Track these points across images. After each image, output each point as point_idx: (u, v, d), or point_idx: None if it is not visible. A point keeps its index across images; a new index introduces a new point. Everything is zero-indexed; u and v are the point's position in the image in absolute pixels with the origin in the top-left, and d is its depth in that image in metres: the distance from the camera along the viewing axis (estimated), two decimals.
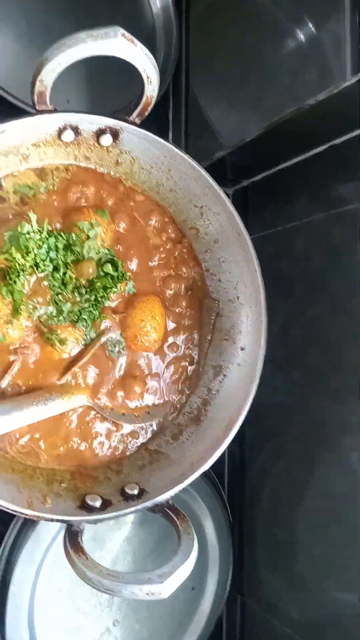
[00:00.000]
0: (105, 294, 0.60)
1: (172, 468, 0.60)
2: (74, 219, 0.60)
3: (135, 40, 0.49)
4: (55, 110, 0.53)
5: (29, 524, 0.72)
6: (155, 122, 0.94)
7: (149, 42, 0.95)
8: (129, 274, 0.63)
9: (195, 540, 0.51)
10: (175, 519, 0.54)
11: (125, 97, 0.87)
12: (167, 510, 0.55)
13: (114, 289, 0.61)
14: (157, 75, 0.53)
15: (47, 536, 0.71)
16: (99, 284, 0.60)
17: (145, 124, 0.90)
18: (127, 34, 0.48)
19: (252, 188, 0.99)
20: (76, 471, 0.58)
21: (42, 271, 0.57)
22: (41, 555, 0.71)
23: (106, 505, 0.54)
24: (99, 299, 0.60)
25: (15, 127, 0.51)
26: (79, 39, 0.47)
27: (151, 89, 0.54)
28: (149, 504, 0.55)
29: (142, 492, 0.57)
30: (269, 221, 0.92)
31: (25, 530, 0.74)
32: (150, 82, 0.53)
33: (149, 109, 0.57)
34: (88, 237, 0.59)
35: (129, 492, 0.56)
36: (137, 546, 0.79)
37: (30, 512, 0.49)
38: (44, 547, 0.71)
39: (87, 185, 0.62)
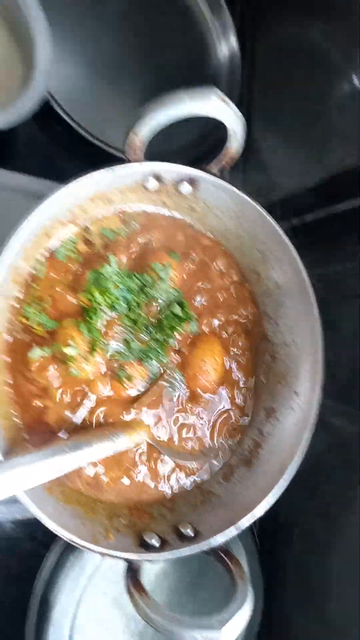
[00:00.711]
0: (171, 334, 0.62)
1: (224, 510, 0.61)
2: (148, 260, 0.62)
3: (227, 100, 0.51)
4: (144, 161, 0.56)
5: (73, 550, 0.74)
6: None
7: (214, 84, 0.98)
8: (194, 314, 0.65)
9: (249, 586, 0.52)
10: (229, 563, 0.55)
11: (180, 137, 0.90)
12: (221, 554, 0.56)
13: (180, 329, 0.63)
14: (244, 133, 0.56)
15: (91, 564, 0.73)
16: (166, 323, 0.62)
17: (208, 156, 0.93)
18: (221, 95, 0.50)
19: (304, 226, 1.00)
20: (133, 507, 0.60)
21: (117, 311, 0.59)
22: (84, 583, 0.73)
23: (163, 544, 0.56)
24: (166, 338, 0.62)
25: (107, 177, 0.54)
26: (178, 98, 0.50)
27: (236, 145, 0.57)
28: (203, 546, 0.56)
29: (196, 532, 0.58)
30: (319, 260, 0.93)
31: (68, 554, 0.75)
32: (237, 139, 0.56)
33: (231, 163, 0.59)
34: (160, 279, 0.61)
35: (184, 531, 0.58)
36: (173, 581, 0.79)
37: (96, 548, 0.51)
38: (87, 574, 0.73)
39: (162, 229, 0.65)
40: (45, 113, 0.77)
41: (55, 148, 0.87)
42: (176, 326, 0.62)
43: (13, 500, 0.62)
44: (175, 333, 0.63)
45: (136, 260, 0.62)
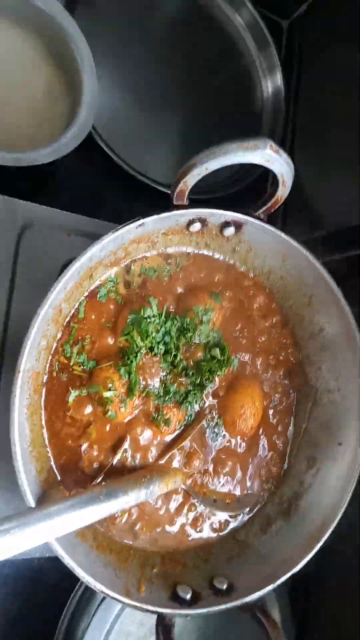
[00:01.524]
0: (210, 377, 0.61)
1: (261, 566, 0.58)
2: (188, 302, 0.61)
3: (280, 150, 0.50)
4: (190, 206, 0.55)
5: None
6: (251, 195, 0.96)
7: (256, 122, 0.98)
8: (234, 358, 0.63)
9: None
10: (265, 623, 0.53)
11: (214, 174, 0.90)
12: (257, 613, 0.54)
13: (219, 373, 0.62)
14: (292, 180, 0.55)
15: (118, 604, 0.71)
16: (205, 367, 0.61)
17: (239, 196, 0.92)
18: (274, 145, 0.50)
19: (347, 262, 0.98)
20: (166, 555, 0.58)
21: (155, 354, 0.59)
22: (111, 622, 0.71)
23: (196, 598, 0.54)
24: (204, 382, 0.61)
25: (152, 221, 0.53)
26: (229, 149, 0.49)
27: (283, 192, 0.56)
28: (238, 603, 0.54)
29: (231, 587, 0.56)
30: None
31: (94, 592, 0.74)
32: (285, 186, 0.55)
33: (276, 207, 0.58)
34: (202, 322, 0.60)
35: (218, 586, 0.56)
36: (200, 626, 0.77)
37: (128, 601, 0.50)
38: (114, 614, 0.71)
39: (203, 270, 0.64)
40: (86, 142, 0.78)
41: (93, 177, 0.88)
42: (216, 370, 0.61)
43: None
44: (216, 377, 0.62)
45: (177, 301, 0.62)
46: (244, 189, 0.94)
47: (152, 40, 0.92)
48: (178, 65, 0.94)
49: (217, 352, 0.61)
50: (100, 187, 0.88)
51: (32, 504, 0.46)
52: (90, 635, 0.71)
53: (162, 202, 0.87)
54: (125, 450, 0.58)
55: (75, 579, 0.78)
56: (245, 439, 0.65)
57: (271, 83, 0.98)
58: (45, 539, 0.45)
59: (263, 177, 0.97)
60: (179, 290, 0.62)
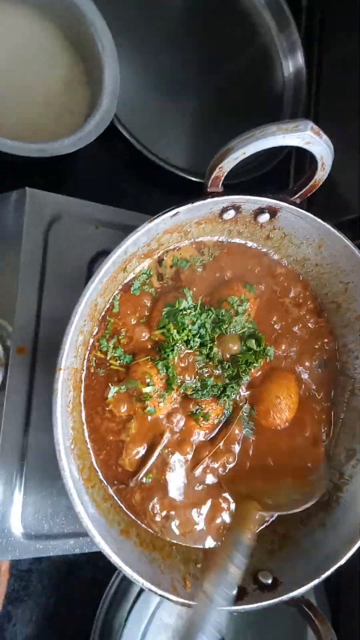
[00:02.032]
0: (247, 369, 0.60)
1: (305, 559, 0.57)
2: (223, 293, 0.60)
3: (321, 132, 0.48)
4: (224, 193, 0.53)
5: None
6: (276, 178, 0.94)
7: (277, 104, 0.95)
8: (270, 348, 0.62)
9: None
10: (313, 618, 0.52)
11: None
12: (304, 607, 0.53)
13: (255, 364, 0.60)
14: (331, 162, 0.53)
15: (155, 597, 0.71)
16: (241, 358, 0.59)
17: (263, 182, 0.90)
18: (315, 127, 0.48)
19: None
20: (208, 550, 0.57)
21: (191, 347, 0.57)
22: (149, 615, 0.71)
23: (242, 594, 0.53)
24: (241, 374, 0.60)
25: (186, 210, 0.52)
26: (268, 131, 0.47)
27: (322, 175, 0.54)
28: (285, 597, 0.53)
29: (275, 581, 0.55)
30: None
31: (132, 584, 0.74)
32: (324, 169, 0.53)
33: (313, 191, 0.56)
34: (237, 313, 0.59)
35: (263, 580, 0.55)
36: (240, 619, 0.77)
37: (176, 599, 0.49)
38: (152, 606, 0.71)
39: (236, 258, 0.62)
40: (106, 129, 0.76)
41: (112, 164, 0.86)
42: (252, 362, 0.59)
43: (82, 534, 0.61)
44: (252, 369, 0.60)
45: (211, 292, 0.60)
46: (266, 173, 0.91)
47: (171, 23, 0.90)
48: (197, 49, 0.91)
49: (252, 343, 0.60)
50: (119, 174, 0.86)
51: (79, 506, 0.45)
52: (129, 628, 0.71)
53: (182, 189, 0.87)
54: (166, 446, 0.57)
55: (110, 573, 0.78)
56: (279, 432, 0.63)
57: (292, 63, 0.95)
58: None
59: (285, 161, 0.94)
60: (213, 280, 0.60)
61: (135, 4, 0.87)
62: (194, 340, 0.57)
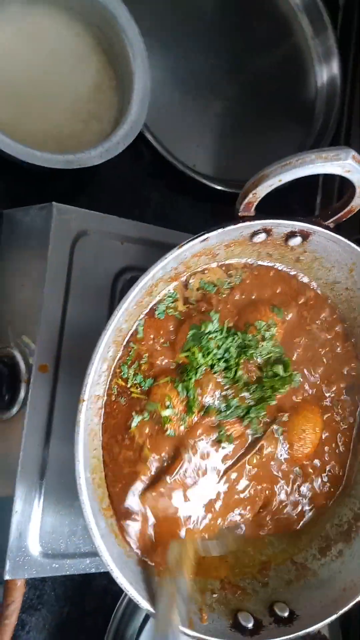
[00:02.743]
0: (272, 395, 0.58)
1: (322, 591, 0.57)
2: (250, 317, 0.58)
3: None
4: (256, 217, 0.52)
5: None
6: (302, 191, 0.92)
7: (308, 112, 0.92)
8: (296, 374, 0.60)
9: None
10: None
11: (250, 167, 0.85)
12: None
13: (282, 390, 0.59)
14: None
15: None
16: (267, 384, 0.58)
17: (290, 195, 0.87)
18: (357, 156, 0.45)
19: None
20: (225, 579, 0.57)
21: (215, 372, 0.56)
22: None
23: (258, 627, 0.53)
24: (266, 398, 0.58)
25: (217, 235, 0.50)
26: (307, 159, 0.45)
27: (359, 202, 0.51)
28: (301, 633, 0.53)
29: (292, 614, 0.54)
30: None
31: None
32: None
33: (348, 216, 0.54)
34: (264, 338, 0.57)
35: (279, 613, 0.54)
36: None
37: (192, 633, 0.49)
38: None
39: (264, 281, 0.61)
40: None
41: (137, 173, 0.84)
42: (278, 387, 0.58)
43: (96, 554, 0.60)
44: (278, 394, 0.59)
45: (238, 316, 0.59)
46: (292, 186, 0.89)
47: (201, 25, 0.87)
48: (227, 53, 0.88)
49: (279, 368, 0.58)
50: (144, 181, 0.85)
51: (98, 539, 0.44)
52: None
53: (208, 197, 0.85)
54: (183, 468, 0.56)
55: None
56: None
57: (327, 70, 0.91)
58: None
59: (312, 178, 0.91)
60: (240, 304, 0.59)
61: (166, 4, 0.85)
62: (218, 365, 0.56)
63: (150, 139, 0.79)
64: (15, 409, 0.58)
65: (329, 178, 0.92)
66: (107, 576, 0.78)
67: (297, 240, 0.56)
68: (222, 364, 0.56)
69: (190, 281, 0.57)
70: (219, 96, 0.88)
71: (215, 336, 0.55)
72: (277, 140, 0.90)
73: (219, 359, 0.55)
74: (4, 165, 0.67)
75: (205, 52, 0.87)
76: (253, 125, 0.90)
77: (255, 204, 0.50)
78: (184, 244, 0.48)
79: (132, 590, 0.47)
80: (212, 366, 0.55)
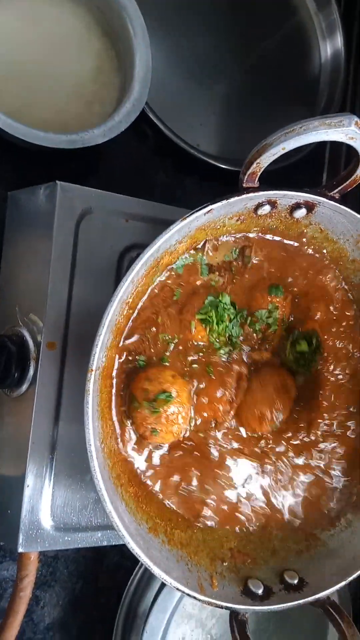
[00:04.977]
0: (309, 369, 0.60)
1: (332, 560, 0.57)
2: (251, 306, 0.59)
3: None
4: (261, 188, 0.52)
5: None
6: (309, 166, 0.91)
7: (312, 88, 0.91)
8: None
9: None
10: (340, 621, 0.52)
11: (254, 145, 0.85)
12: (330, 609, 0.53)
13: (317, 365, 0.60)
14: None
15: None
16: (299, 366, 0.59)
17: (296, 170, 0.87)
18: (359, 122, 0.45)
19: None
20: (235, 548, 0.58)
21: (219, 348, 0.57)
22: (174, 604, 0.72)
23: (268, 593, 0.53)
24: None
25: (220, 206, 0.50)
26: (310, 126, 0.45)
27: None
28: (310, 599, 0.53)
29: (301, 581, 0.55)
30: None
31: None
32: None
33: (353, 186, 0.54)
34: (269, 325, 0.58)
35: (289, 580, 0.55)
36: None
37: (203, 598, 0.49)
38: (177, 595, 0.72)
39: (269, 255, 0.61)
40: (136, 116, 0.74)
41: (142, 153, 0.84)
42: (312, 360, 0.59)
43: (109, 527, 0.61)
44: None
45: (244, 293, 0.59)
46: (298, 161, 0.88)
47: (203, 4, 0.86)
48: (229, 31, 0.88)
49: (304, 345, 0.58)
50: (149, 162, 0.85)
51: (109, 506, 0.45)
52: (154, 616, 0.72)
53: (214, 176, 0.85)
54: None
55: (135, 560, 0.79)
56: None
57: (330, 45, 0.90)
58: None
59: (319, 148, 0.91)
60: (245, 282, 0.59)
61: None
62: (225, 347, 0.57)
63: (154, 119, 0.79)
64: (24, 387, 0.59)
65: (335, 156, 0.91)
66: (118, 552, 0.80)
67: (302, 212, 0.56)
68: (228, 348, 0.57)
69: (195, 255, 0.57)
70: (222, 75, 0.88)
71: (229, 309, 0.56)
72: (282, 118, 0.89)
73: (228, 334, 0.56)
74: (8, 148, 0.68)
75: (208, 31, 0.87)
76: (257, 104, 0.90)
77: (259, 174, 0.50)
78: (188, 215, 0.49)
79: (144, 556, 0.47)
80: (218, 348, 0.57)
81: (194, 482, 0.56)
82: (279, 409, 0.57)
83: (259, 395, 0.57)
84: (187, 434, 0.56)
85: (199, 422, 0.57)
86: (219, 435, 0.58)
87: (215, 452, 0.58)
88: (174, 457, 0.56)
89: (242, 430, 0.59)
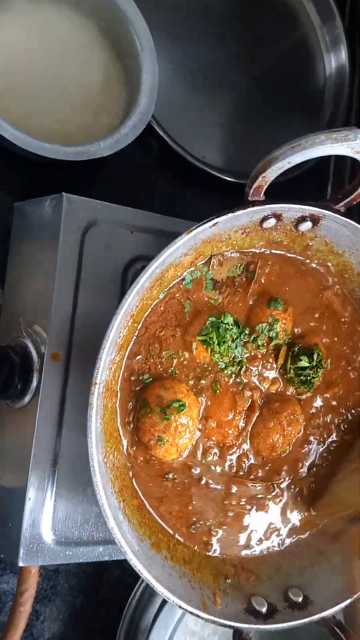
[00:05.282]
0: (310, 386, 0.59)
1: (336, 577, 0.56)
2: (251, 322, 0.59)
3: None
4: (266, 202, 0.52)
5: None
6: (313, 179, 0.91)
7: (317, 101, 0.92)
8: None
9: None
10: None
11: (259, 158, 0.85)
12: (335, 628, 0.52)
13: (315, 377, 0.59)
14: None
15: None
16: (302, 377, 0.59)
17: (301, 183, 0.87)
18: None
19: None
20: (238, 564, 0.57)
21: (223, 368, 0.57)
22: (176, 620, 0.71)
23: (272, 611, 0.52)
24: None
25: (226, 219, 0.50)
26: (316, 140, 0.45)
27: None
28: (316, 617, 0.52)
29: (306, 599, 0.54)
30: None
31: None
32: None
33: (359, 199, 0.54)
34: (271, 339, 0.58)
35: (293, 598, 0.54)
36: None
37: (206, 616, 0.49)
38: (179, 611, 0.71)
39: (273, 268, 0.61)
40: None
41: (145, 164, 0.84)
42: (313, 377, 0.58)
43: (111, 542, 0.61)
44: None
45: (245, 309, 0.59)
46: (303, 174, 0.88)
47: (208, 18, 0.87)
48: (235, 44, 0.88)
49: (304, 360, 0.58)
50: (153, 173, 0.85)
51: (112, 524, 0.45)
52: (157, 632, 0.71)
53: (217, 188, 0.85)
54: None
55: (136, 575, 0.79)
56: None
57: (334, 58, 0.91)
58: None
59: (323, 161, 0.91)
60: (249, 294, 0.59)
61: None
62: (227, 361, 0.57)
63: (159, 131, 0.79)
64: (27, 398, 0.59)
65: (340, 168, 0.91)
66: (120, 567, 0.79)
67: (307, 225, 0.56)
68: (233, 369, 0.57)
69: (201, 270, 0.57)
70: (227, 87, 0.88)
71: (232, 328, 0.56)
72: (286, 131, 0.90)
73: (230, 355, 0.56)
74: (14, 159, 0.68)
75: (213, 44, 0.87)
76: (261, 116, 0.90)
77: (265, 188, 0.50)
78: (194, 229, 0.48)
79: (147, 573, 0.47)
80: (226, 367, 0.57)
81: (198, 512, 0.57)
82: (290, 437, 0.58)
83: (270, 423, 0.58)
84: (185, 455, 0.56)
85: (206, 445, 0.56)
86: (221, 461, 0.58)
87: (216, 480, 0.57)
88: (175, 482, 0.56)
89: (251, 456, 0.59)
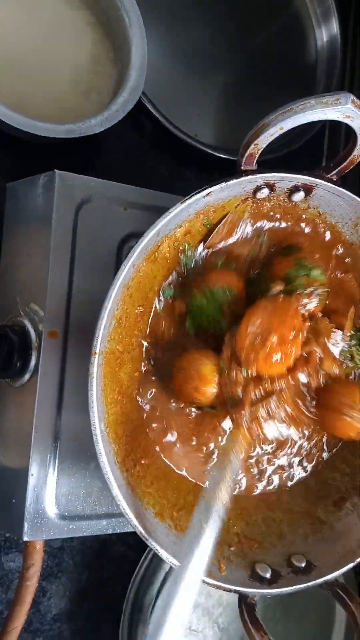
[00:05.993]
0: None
1: (339, 543, 0.57)
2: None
3: None
4: (259, 171, 0.52)
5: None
6: (308, 154, 0.91)
7: (310, 75, 0.91)
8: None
9: None
10: (349, 602, 0.52)
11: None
12: (338, 591, 0.53)
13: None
14: None
15: None
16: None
17: (296, 157, 0.87)
18: (356, 100, 0.45)
19: None
20: (241, 533, 0.58)
21: None
22: None
23: (276, 577, 0.53)
24: None
25: (219, 189, 0.50)
26: (307, 105, 0.45)
27: None
28: (319, 581, 0.53)
29: (309, 564, 0.55)
30: None
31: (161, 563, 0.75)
32: None
33: (351, 167, 0.54)
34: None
35: (297, 564, 0.55)
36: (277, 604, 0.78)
37: (212, 582, 0.49)
38: None
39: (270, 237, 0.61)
40: (134, 107, 0.74)
41: (140, 143, 0.84)
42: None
43: (114, 515, 0.62)
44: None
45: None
46: (297, 149, 0.88)
47: None
48: (226, 20, 0.87)
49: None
50: (147, 153, 0.85)
51: (117, 491, 0.45)
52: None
53: (212, 166, 0.85)
54: None
55: (141, 550, 0.80)
56: None
57: (326, 31, 0.90)
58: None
59: (317, 136, 0.91)
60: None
61: None
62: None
63: (151, 109, 0.79)
64: (27, 376, 0.59)
65: (334, 142, 0.91)
66: (124, 543, 0.80)
67: (300, 195, 0.56)
68: None
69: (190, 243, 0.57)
70: (219, 64, 0.88)
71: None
72: (279, 105, 0.89)
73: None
74: (6, 139, 0.68)
75: (204, 20, 0.86)
76: (254, 93, 0.90)
77: (257, 156, 0.50)
78: (188, 198, 0.48)
79: (150, 539, 0.47)
80: None
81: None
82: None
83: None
84: None
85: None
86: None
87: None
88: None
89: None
